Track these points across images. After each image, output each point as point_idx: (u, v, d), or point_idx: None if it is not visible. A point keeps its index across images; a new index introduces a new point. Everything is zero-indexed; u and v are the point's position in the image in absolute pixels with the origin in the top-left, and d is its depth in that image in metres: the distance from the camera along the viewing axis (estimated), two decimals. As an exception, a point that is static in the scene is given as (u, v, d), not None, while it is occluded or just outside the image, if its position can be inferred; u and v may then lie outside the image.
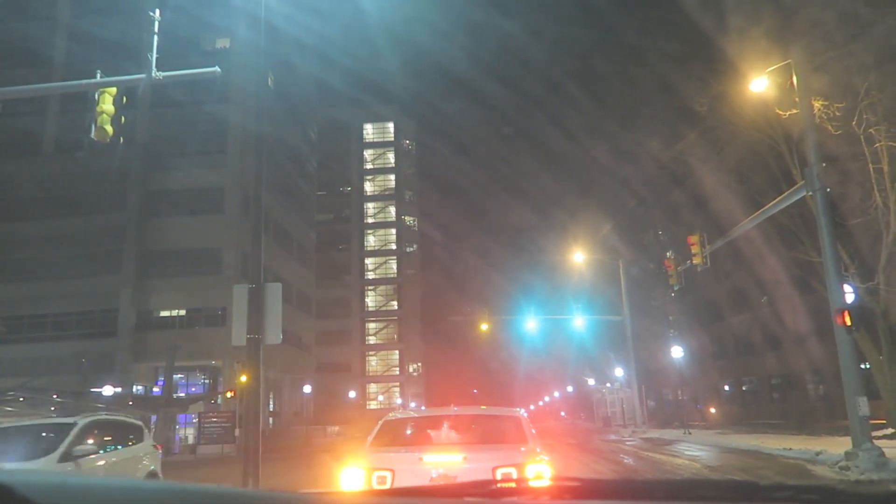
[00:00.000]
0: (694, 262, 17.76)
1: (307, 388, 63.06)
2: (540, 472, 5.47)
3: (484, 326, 29.31)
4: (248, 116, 49.83)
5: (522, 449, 5.96)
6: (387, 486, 5.36)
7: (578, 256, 29.37)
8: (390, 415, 7.38)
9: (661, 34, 20.51)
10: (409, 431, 6.97)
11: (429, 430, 6.75)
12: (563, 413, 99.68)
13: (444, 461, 5.62)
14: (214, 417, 30.88)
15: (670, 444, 22.98)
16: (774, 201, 14.30)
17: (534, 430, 6.55)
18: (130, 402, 35.56)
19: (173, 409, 37.91)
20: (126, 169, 45.87)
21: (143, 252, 45.28)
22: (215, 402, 40.47)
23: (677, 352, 29.40)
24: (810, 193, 12.34)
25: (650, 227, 35.60)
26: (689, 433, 25.94)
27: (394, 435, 6.65)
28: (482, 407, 8.66)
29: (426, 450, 6.00)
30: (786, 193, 13.74)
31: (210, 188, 47.07)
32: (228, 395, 31.48)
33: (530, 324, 30.67)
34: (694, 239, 17.76)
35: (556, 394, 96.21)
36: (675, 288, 20.06)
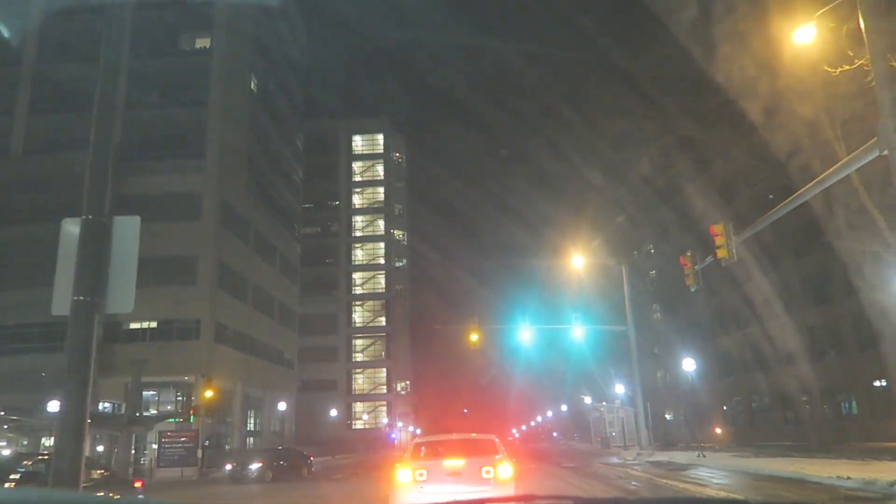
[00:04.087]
0: (718, 255, 15.22)
1: (289, 407, 60.23)
2: (506, 468, 9.35)
3: (474, 337, 26.59)
4: (229, 120, 47.74)
5: (497, 457, 9.65)
6: (424, 478, 9.30)
7: (578, 261, 26.82)
8: (417, 439, 12.46)
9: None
10: (430, 447, 10.80)
11: (441, 447, 10.62)
12: (555, 434, 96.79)
13: (454, 464, 9.52)
14: (179, 437, 27.88)
15: (686, 469, 20.14)
16: (836, 167, 11.73)
17: (503, 447, 10.27)
18: (88, 420, 32.44)
19: (137, 429, 34.91)
20: (96, 172, 43.52)
21: (112, 260, 42.57)
22: (186, 420, 37.51)
23: (689, 364, 26.31)
24: (885, 152, 9.97)
25: (659, 226, 33.50)
26: (704, 455, 23.12)
27: (422, 449, 10.63)
28: (472, 433, 12.01)
29: (443, 458, 9.86)
30: (852, 155, 11.27)
31: (186, 193, 44.69)
32: (193, 413, 28.60)
33: (525, 334, 27.98)
34: (718, 229, 15.15)
35: (549, 413, 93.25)
36: (693, 289, 17.57)
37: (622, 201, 34.21)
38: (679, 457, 25.01)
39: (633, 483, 16.86)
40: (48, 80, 46.21)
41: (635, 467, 22.20)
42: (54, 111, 45.88)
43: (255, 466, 25.90)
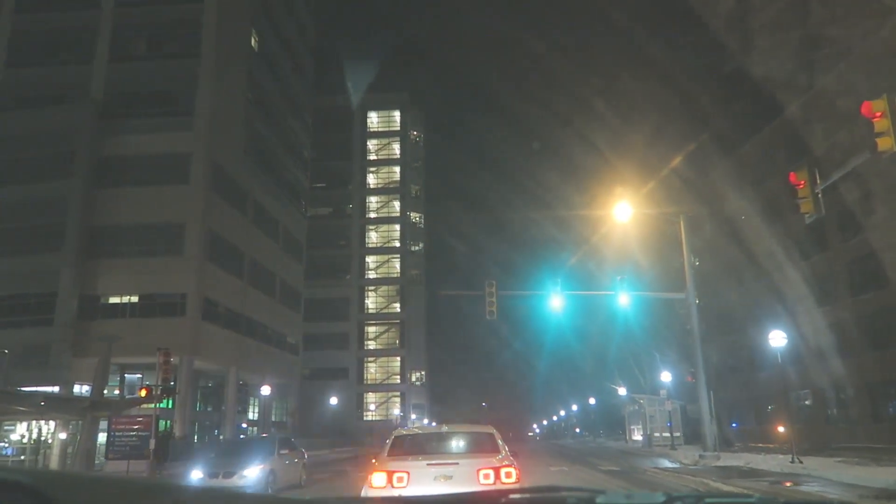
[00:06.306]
0: (879, 147, 9.57)
1: (292, 396, 55.77)
2: (510, 472, 7.63)
3: (490, 305, 21.74)
4: (223, 76, 42.89)
5: (499, 456, 8.09)
6: (405, 483, 7.49)
7: (623, 214, 21.31)
8: (396, 431, 9.71)
9: None
10: (413, 443, 9.03)
11: (427, 443, 9.06)
12: (578, 430, 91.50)
13: (443, 465, 7.88)
14: (132, 425, 22.99)
15: (797, 482, 14.30)
16: None
17: (504, 443, 8.66)
18: (42, 402, 28.00)
19: (102, 414, 30.26)
20: (74, 130, 39.11)
21: (89, 227, 38.51)
22: (160, 405, 32.85)
23: (777, 339, 19.79)
24: None
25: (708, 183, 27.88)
26: (800, 461, 17.40)
27: (403, 446, 8.78)
28: (466, 426, 10.55)
29: (429, 458, 8.19)
30: None
31: (174, 154, 40.23)
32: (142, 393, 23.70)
33: (555, 301, 22.84)
34: (879, 105, 9.52)
35: (575, 407, 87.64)
36: (810, 219, 12.13)
37: (675, 148, 29.34)
38: (759, 461, 19.35)
39: None
40: (25, 32, 41.98)
41: (708, 475, 16.58)
42: (30, 65, 41.61)
43: None
